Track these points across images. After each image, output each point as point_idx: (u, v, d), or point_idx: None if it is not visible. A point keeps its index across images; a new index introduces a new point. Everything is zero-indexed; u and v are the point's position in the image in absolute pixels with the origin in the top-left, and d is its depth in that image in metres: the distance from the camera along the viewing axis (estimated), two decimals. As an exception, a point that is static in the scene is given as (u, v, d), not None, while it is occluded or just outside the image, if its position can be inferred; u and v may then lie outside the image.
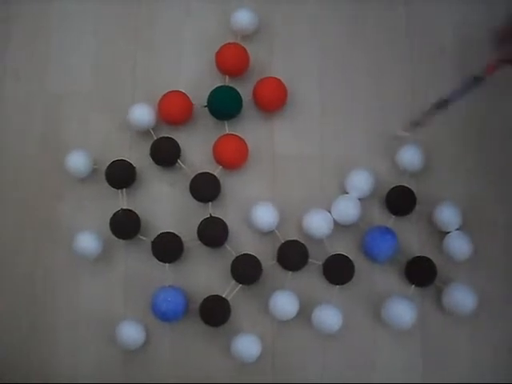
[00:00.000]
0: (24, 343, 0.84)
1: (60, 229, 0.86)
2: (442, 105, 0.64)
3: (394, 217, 0.82)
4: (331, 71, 0.88)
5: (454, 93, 0.62)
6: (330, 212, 0.81)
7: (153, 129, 0.85)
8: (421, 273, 0.79)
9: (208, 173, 0.82)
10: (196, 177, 0.82)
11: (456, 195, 0.82)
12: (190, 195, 0.82)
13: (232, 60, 0.84)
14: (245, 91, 0.85)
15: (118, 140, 0.87)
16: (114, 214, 0.82)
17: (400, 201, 0.81)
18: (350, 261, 0.79)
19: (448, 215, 0.79)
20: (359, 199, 0.81)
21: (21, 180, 0.88)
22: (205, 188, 0.82)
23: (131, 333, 0.79)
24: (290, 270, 0.80)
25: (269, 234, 0.82)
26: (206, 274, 0.83)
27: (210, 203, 0.82)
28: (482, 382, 0.79)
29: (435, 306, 0.80)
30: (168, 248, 0.81)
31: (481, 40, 0.87)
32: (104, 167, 0.84)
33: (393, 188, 0.81)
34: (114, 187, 0.84)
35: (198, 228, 0.81)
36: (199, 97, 0.85)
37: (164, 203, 0.85)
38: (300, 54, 0.89)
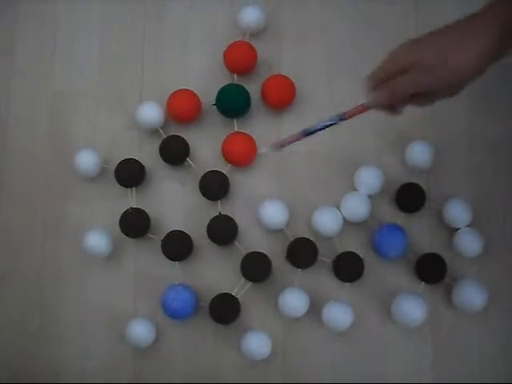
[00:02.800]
0: (34, 341, 0.84)
1: (69, 228, 0.86)
2: (306, 133, 0.68)
3: (403, 214, 0.81)
4: (339, 68, 0.88)
5: (319, 125, 0.66)
6: (339, 209, 0.80)
7: (161, 127, 0.85)
8: (431, 270, 0.79)
9: (217, 171, 0.82)
10: (205, 175, 0.82)
11: (466, 192, 0.82)
12: (200, 193, 0.82)
13: (240, 58, 0.84)
14: (253, 89, 0.85)
15: (127, 139, 0.88)
16: (124, 213, 0.82)
17: (410, 198, 0.81)
18: (359, 258, 0.79)
19: (458, 212, 0.79)
20: (369, 196, 0.81)
21: (29, 179, 0.88)
22: (214, 186, 0.82)
23: (141, 331, 0.79)
24: (300, 267, 0.80)
25: (278, 231, 0.82)
26: (215, 272, 0.83)
27: (220, 201, 0.82)
28: (493, 379, 0.79)
29: (445, 303, 0.80)
30: (178, 246, 0.81)
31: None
32: (113, 166, 0.84)
33: (402, 185, 0.81)
34: (123, 186, 0.84)
35: (208, 226, 0.81)
36: (208, 95, 0.85)
37: (173, 202, 0.85)
38: (308, 51, 0.89)
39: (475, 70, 0.58)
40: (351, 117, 0.65)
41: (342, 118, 0.66)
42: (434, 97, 0.63)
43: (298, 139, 0.68)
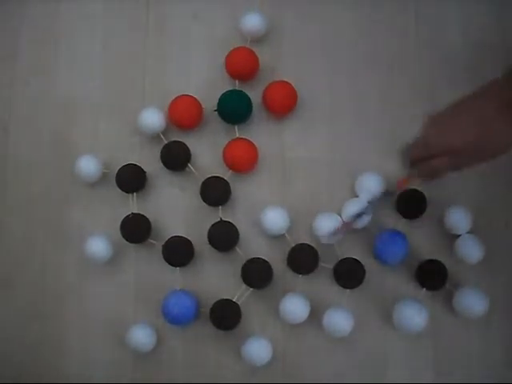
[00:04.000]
0: (35, 346, 0.84)
1: (70, 233, 0.86)
2: (358, 216, 0.70)
3: (404, 220, 0.81)
4: (341, 74, 0.88)
5: (368, 207, 0.69)
6: (340, 215, 0.81)
7: (163, 133, 0.85)
8: (432, 276, 0.79)
9: (218, 177, 0.82)
10: (206, 181, 0.82)
11: (466, 198, 0.82)
12: (201, 199, 0.82)
13: (242, 64, 0.85)
14: (255, 95, 0.85)
15: (128, 144, 0.88)
16: (125, 218, 0.82)
17: (411, 204, 0.81)
18: (360, 264, 0.79)
19: (459, 218, 0.79)
20: (369, 202, 0.81)
21: (31, 184, 0.89)
22: (215, 192, 0.82)
23: (142, 336, 0.79)
24: (301, 273, 0.80)
25: (279, 237, 0.82)
26: (216, 277, 0.83)
27: (221, 207, 0.82)
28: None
29: (446, 309, 0.80)
30: (178, 252, 0.81)
31: (490, 42, 0.87)
32: (114, 171, 0.84)
33: (403, 191, 0.81)
34: (124, 191, 0.84)
35: (209, 232, 0.81)
36: (209, 101, 0.85)
37: (174, 207, 0.85)
38: (309, 58, 0.89)
39: (509, 148, 0.61)
40: (399, 190, 0.70)
41: (390, 192, 0.70)
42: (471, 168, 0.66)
43: (351, 225, 0.72)
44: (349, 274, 0.80)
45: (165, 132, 0.86)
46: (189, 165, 0.84)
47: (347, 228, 0.70)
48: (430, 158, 0.64)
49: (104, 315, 0.84)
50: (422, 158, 0.65)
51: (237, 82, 0.86)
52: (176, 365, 0.82)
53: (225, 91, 0.84)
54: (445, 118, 0.63)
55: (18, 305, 0.86)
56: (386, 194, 0.69)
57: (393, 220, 0.82)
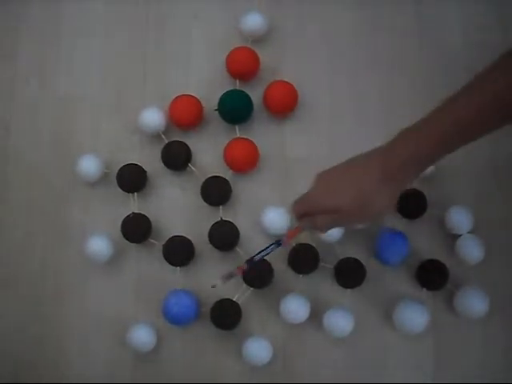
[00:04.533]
0: (35, 345, 0.84)
1: (71, 232, 0.86)
2: (249, 260, 0.71)
3: (405, 220, 0.81)
4: (341, 74, 0.88)
5: (260, 253, 0.71)
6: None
7: (163, 133, 0.85)
8: (432, 276, 0.79)
9: (219, 176, 0.82)
10: (207, 180, 0.82)
11: (467, 198, 0.82)
12: (201, 199, 0.83)
13: (242, 63, 0.85)
14: (255, 95, 0.85)
15: (129, 144, 0.88)
16: (126, 218, 0.82)
17: (411, 204, 0.81)
18: (361, 264, 0.79)
19: (459, 218, 0.79)
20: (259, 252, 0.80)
21: (32, 184, 0.89)
22: (216, 192, 0.82)
23: (142, 336, 0.79)
24: (301, 273, 0.80)
25: (280, 237, 0.81)
26: (217, 277, 0.83)
27: (221, 207, 0.83)
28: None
29: (447, 309, 0.80)
30: (179, 251, 0.81)
31: (491, 42, 0.87)
32: (115, 171, 0.84)
33: (404, 191, 0.81)
34: (125, 191, 0.84)
35: (209, 231, 0.81)
36: (210, 100, 0.85)
37: (175, 207, 0.86)
38: (310, 57, 0.89)
39: (389, 209, 0.64)
40: (287, 243, 0.71)
41: (279, 243, 0.70)
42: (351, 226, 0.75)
43: (244, 270, 0.71)
44: (349, 274, 0.80)
45: (165, 132, 0.86)
46: (189, 164, 0.84)
47: (239, 273, 0.72)
48: (314, 214, 0.66)
49: (104, 315, 0.84)
50: (305, 213, 0.67)
51: (237, 81, 0.86)
52: (176, 364, 0.82)
53: (225, 91, 0.85)
54: (330, 178, 0.66)
55: (19, 304, 0.86)
56: (277, 244, 0.70)
57: (393, 220, 0.82)
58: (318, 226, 0.66)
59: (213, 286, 0.71)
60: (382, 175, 0.61)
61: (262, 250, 0.71)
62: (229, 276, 0.71)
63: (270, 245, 0.71)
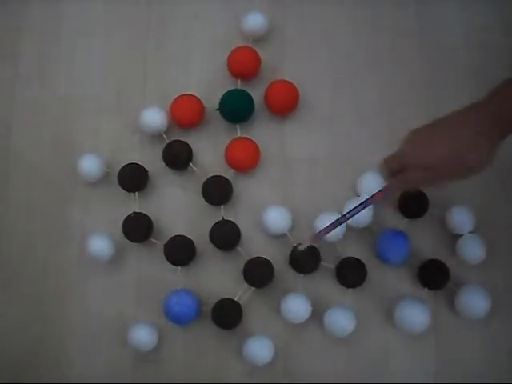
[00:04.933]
0: (35, 345, 0.84)
1: (72, 232, 0.86)
2: (340, 221, 0.72)
3: (406, 220, 0.81)
4: (342, 74, 0.88)
5: (351, 211, 0.71)
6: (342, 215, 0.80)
7: (165, 132, 0.85)
8: (434, 276, 0.79)
9: (220, 176, 0.82)
10: (208, 180, 0.82)
11: (469, 198, 0.82)
12: (202, 198, 0.82)
13: (244, 63, 0.85)
14: (256, 94, 0.85)
15: (130, 143, 0.88)
16: (127, 218, 0.82)
17: (413, 203, 0.81)
18: (362, 264, 0.79)
19: (461, 218, 0.79)
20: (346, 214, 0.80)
21: (33, 183, 0.89)
22: (217, 191, 0.82)
23: (143, 335, 0.79)
24: (303, 273, 0.80)
25: (281, 236, 0.82)
26: (218, 277, 0.83)
27: (222, 206, 0.83)
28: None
29: (448, 309, 0.80)
30: (180, 251, 0.81)
31: (492, 42, 0.87)
32: (116, 171, 0.84)
33: (405, 191, 0.81)
34: (126, 190, 0.84)
35: (211, 231, 0.81)
36: (211, 100, 0.85)
37: (176, 206, 0.85)
38: (311, 57, 0.89)
39: (487, 164, 0.62)
40: (375, 200, 0.70)
41: (366, 205, 0.70)
42: (446, 185, 0.69)
43: (331, 229, 0.72)
44: (350, 274, 0.79)
45: (167, 131, 0.86)
46: (190, 164, 0.84)
47: (327, 233, 0.72)
48: (406, 171, 0.65)
49: (105, 314, 0.84)
50: (397, 170, 0.67)
51: (239, 81, 0.86)
52: (177, 364, 0.82)
53: (227, 90, 0.84)
54: (425, 133, 0.65)
55: (19, 304, 0.85)
56: (363, 205, 0.70)
57: (395, 220, 0.82)
58: (410, 182, 0.65)
59: (297, 246, 0.73)
60: (479, 128, 0.60)
61: (349, 212, 0.70)
62: (316, 237, 0.72)
63: (357, 206, 0.70)
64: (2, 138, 0.91)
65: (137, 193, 0.84)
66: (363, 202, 0.70)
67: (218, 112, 0.85)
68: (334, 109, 0.88)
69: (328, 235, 0.73)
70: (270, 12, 0.88)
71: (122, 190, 0.84)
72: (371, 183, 0.80)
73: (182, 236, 0.82)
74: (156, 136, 0.86)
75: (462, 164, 0.61)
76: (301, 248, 0.75)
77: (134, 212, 0.83)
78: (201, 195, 0.83)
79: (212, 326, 0.78)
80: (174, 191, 0.86)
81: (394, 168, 0.68)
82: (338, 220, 0.72)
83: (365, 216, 0.79)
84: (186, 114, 0.84)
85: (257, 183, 0.85)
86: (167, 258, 0.81)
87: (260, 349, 0.77)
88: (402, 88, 0.88)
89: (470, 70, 0.87)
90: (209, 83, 0.89)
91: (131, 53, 0.92)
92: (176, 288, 0.80)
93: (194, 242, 0.82)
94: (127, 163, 0.84)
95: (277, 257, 0.82)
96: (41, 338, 0.84)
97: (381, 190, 0.69)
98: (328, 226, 0.72)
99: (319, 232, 0.73)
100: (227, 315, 0.79)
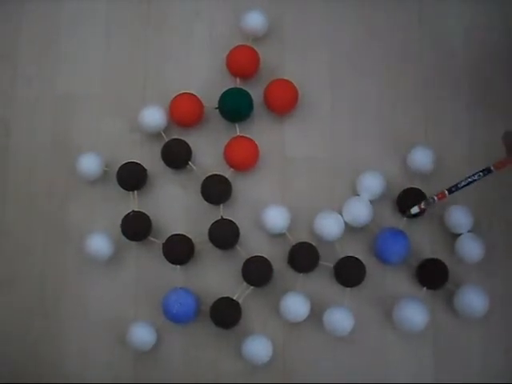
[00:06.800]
0: (35, 345, 0.84)
1: (71, 231, 0.86)
2: (453, 189, 0.74)
3: (405, 219, 0.81)
4: (342, 73, 0.88)
5: (466, 180, 0.72)
6: (341, 214, 0.81)
7: (164, 131, 0.85)
8: (432, 275, 0.79)
9: (219, 175, 0.82)
10: (207, 179, 0.82)
11: (467, 197, 0.82)
12: (201, 197, 0.82)
13: (243, 62, 0.85)
14: (256, 93, 0.85)
15: (129, 142, 0.88)
16: (125, 216, 0.82)
17: (411, 203, 0.81)
18: (361, 263, 0.79)
19: (459, 217, 0.79)
20: (370, 201, 0.81)
21: (32, 182, 0.88)
22: (216, 190, 0.82)
23: (142, 334, 0.79)
24: (301, 272, 0.80)
25: (280, 236, 0.82)
26: (217, 275, 0.83)
27: (221, 205, 0.82)
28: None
29: (447, 309, 0.80)
30: (179, 250, 0.81)
31: (493, 42, 0.87)
32: (115, 169, 0.84)
33: (404, 190, 0.81)
34: (125, 189, 0.84)
35: (209, 230, 0.81)
36: (210, 99, 0.85)
37: (175, 205, 0.85)
38: (311, 56, 0.89)
39: None
40: (498, 170, 0.71)
41: (489, 170, 0.71)
42: None
43: (444, 197, 0.75)
44: (349, 273, 0.79)
45: (166, 130, 0.86)
46: (190, 163, 0.84)
47: (440, 199, 0.75)
48: None
49: (104, 313, 0.84)
50: None
51: (238, 79, 0.86)
52: (176, 363, 0.82)
53: (226, 89, 0.84)
54: None
55: (18, 304, 0.85)
56: (485, 172, 0.71)
57: (393, 219, 0.82)
58: None
59: (406, 213, 0.76)
60: None
61: (468, 177, 0.71)
62: (428, 203, 0.74)
63: (478, 172, 0.71)
64: (1, 137, 0.90)
65: (136, 191, 0.84)
66: (486, 169, 0.71)
67: (217, 111, 0.85)
68: (334, 108, 0.87)
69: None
70: (269, 11, 0.88)
71: (121, 189, 0.84)
72: (370, 182, 0.81)
73: (181, 235, 0.81)
74: (155, 135, 0.86)
75: None
76: (414, 211, 0.77)
77: (133, 211, 0.83)
78: (200, 194, 0.82)
79: (211, 325, 0.78)
80: (173, 190, 0.86)
81: None
82: (452, 187, 0.73)
83: (364, 215, 0.79)
84: (185, 113, 0.84)
85: (256, 182, 0.85)
86: (166, 257, 0.81)
87: (259, 348, 0.77)
88: (402, 88, 0.88)
89: (470, 69, 0.87)
90: (208, 82, 0.88)
91: (131, 51, 0.92)
92: (175, 287, 0.80)
93: (193, 240, 0.82)
94: (126, 162, 0.84)
95: (276, 256, 0.82)
96: (40, 337, 0.84)
97: (502, 161, 0.70)
98: (441, 192, 0.74)
99: (429, 199, 0.75)
100: (226, 314, 0.79)
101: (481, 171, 0.71)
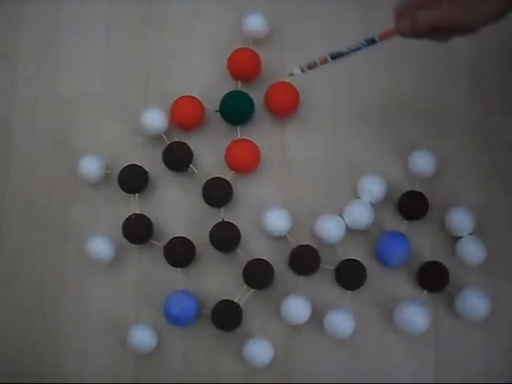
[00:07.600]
0: (35, 346, 0.85)
1: (72, 234, 0.86)
2: (335, 56, 0.71)
3: (406, 222, 0.81)
4: (343, 75, 0.88)
5: (349, 48, 0.69)
6: (342, 217, 0.81)
7: (165, 133, 0.85)
8: (433, 278, 0.79)
9: (220, 177, 0.82)
10: (208, 181, 0.82)
11: (468, 200, 0.82)
12: (203, 200, 0.82)
13: (244, 65, 0.85)
14: (257, 96, 0.85)
15: (130, 145, 0.88)
16: (127, 219, 0.82)
17: (412, 205, 0.81)
18: (362, 266, 0.79)
19: (460, 220, 0.79)
20: (371, 204, 0.81)
21: (33, 185, 0.89)
22: (217, 193, 0.82)
23: (143, 337, 0.79)
24: (302, 274, 0.80)
25: (281, 238, 0.82)
26: (218, 278, 0.83)
27: (223, 208, 0.83)
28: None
29: (448, 311, 0.80)
30: (180, 252, 0.81)
31: (493, 42, 0.87)
32: (116, 172, 0.84)
33: (405, 193, 0.81)
34: (126, 192, 0.84)
35: (210, 233, 0.81)
36: (211, 102, 0.85)
37: (176, 208, 0.85)
38: (312, 59, 0.89)
39: (499, 17, 0.60)
40: (382, 40, 0.68)
41: (373, 40, 0.68)
42: (452, 34, 0.65)
43: (326, 61, 0.70)
44: (350, 276, 0.79)
45: (167, 133, 0.86)
46: (191, 166, 0.84)
47: (322, 63, 0.71)
48: (415, 10, 0.62)
49: (105, 316, 0.84)
50: (411, 8, 0.64)
51: (239, 82, 0.86)
52: (177, 365, 0.82)
53: (227, 92, 0.84)
54: None
55: (19, 304, 0.86)
56: (369, 41, 0.68)
57: (394, 222, 0.82)
58: (417, 22, 0.62)
59: (290, 74, 0.72)
60: None
61: (352, 45, 0.69)
62: (310, 65, 0.72)
63: (362, 41, 0.69)
64: (2, 138, 0.91)
65: (137, 194, 0.84)
66: (368, 39, 0.68)
67: (218, 114, 0.85)
68: (335, 110, 0.87)
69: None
70: (270, 14, 0.88)
71: (122, 192, 0.84)
72: (372, 185, 0.81)
73: (182, 237, 0.81)
74: (156, 137, 0.86)
75: (467, 8, 0.59)
76: (292, 73, 0.73)
77: (134, 213, 0.83)
78: (201, 197, 0.82)
79: (212, 327, 0.78)
80: (175, 193, 0.86)
81: (406, 6, 0.65)
82: (333, 53, 0.70)
83: (365, 218, 0.79)
84: (187, 116, 0.84)
85: (257, 185, 0.85)
86: (167, 260, 0.81)
87: (260, 350, 0.77)
88: (402, 88, 0.87)
89: (470, 69, 0.87)
90: (209, 85, 0.88)
91: (131, 54, 0.92)
92: (176, 289, 0.80)
93: (194, 243, 0.82)
94: (127, 164, 0.84)
95: (277, 258, 0.82)
96: (41, 338, 0.85)
97: (386, 31, 0.68)
98: (322, 57, 0.71)
99: (312, 62, 0.72)
100: (227, 317, 0.79)
101: (365, 40, 0.68)
